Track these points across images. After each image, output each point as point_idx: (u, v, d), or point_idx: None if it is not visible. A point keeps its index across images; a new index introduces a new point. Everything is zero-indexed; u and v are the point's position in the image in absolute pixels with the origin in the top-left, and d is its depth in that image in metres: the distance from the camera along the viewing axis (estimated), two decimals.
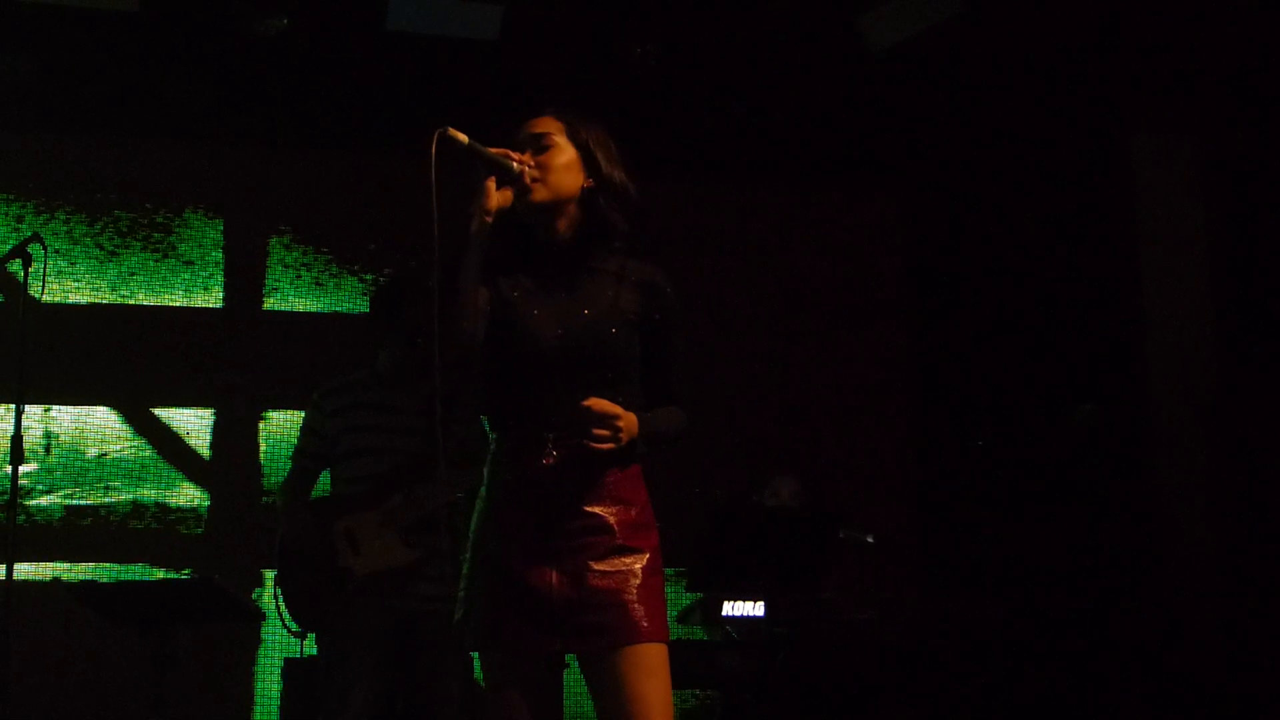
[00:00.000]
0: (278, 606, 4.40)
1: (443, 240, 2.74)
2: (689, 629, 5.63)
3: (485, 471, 2.93)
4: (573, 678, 2.95)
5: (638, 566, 2.84)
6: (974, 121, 6.54)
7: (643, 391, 2.97)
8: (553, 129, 2.96)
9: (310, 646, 4.57)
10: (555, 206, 2.94)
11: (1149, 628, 5.97)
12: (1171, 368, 6.14)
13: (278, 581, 4.45)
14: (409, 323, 4.52)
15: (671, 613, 5.59)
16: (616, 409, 2.82)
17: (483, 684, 2.98)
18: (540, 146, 2.93)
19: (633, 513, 2.88)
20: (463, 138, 2.81)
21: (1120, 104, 6.18)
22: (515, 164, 2.87)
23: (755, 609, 5.20)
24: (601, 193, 2.95)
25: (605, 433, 2.80)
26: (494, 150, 2.87)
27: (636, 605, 2.81)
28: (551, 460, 2.84)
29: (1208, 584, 5.98)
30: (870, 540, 5.38)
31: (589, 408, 2.79)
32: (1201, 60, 5.83)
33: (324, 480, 4.66)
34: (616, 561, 2.82)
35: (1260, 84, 5.88)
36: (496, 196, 2.84)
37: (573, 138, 2.97)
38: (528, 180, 2.88)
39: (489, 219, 2.82)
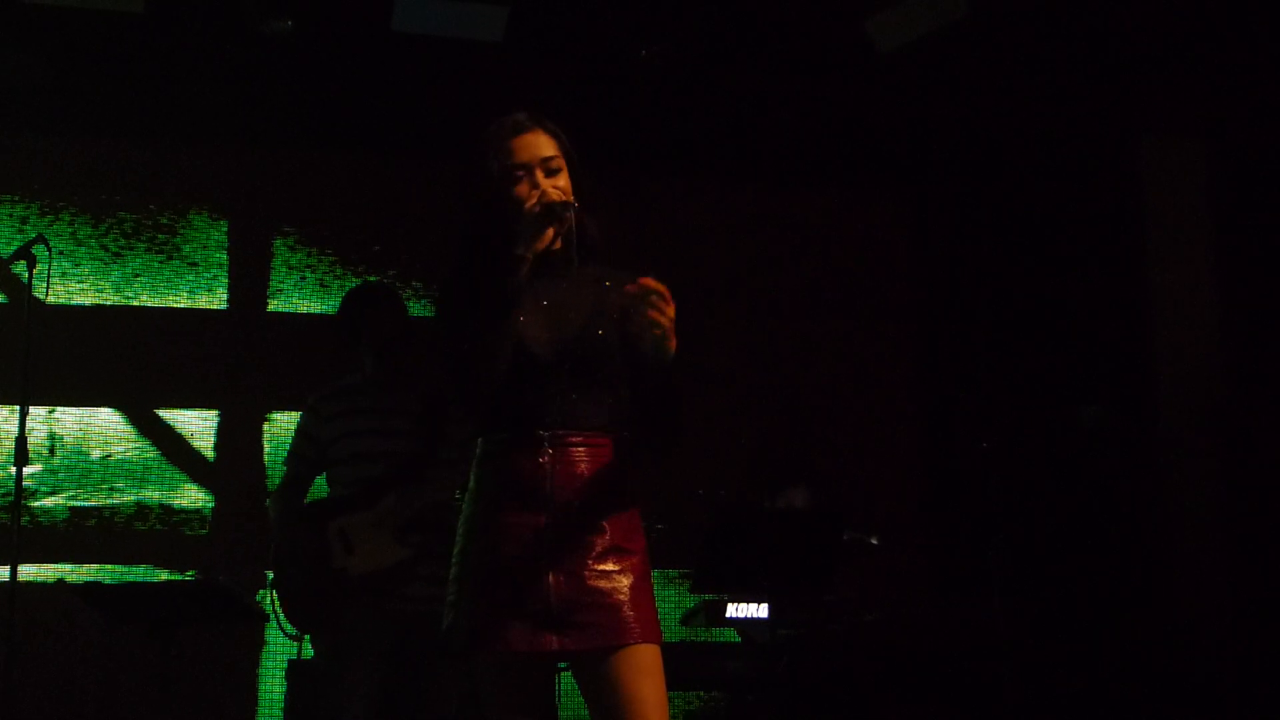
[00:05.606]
0: (274, 611, 4.40)
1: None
2: (693, 630, 5.62)
3: (472, 473, 2.91)
4: (572, 681, 2.94)
5: (631, 568, 2.83)
6: (982, 124, 6.54)
7: (629, 394, 2.95)
8: (555, 150, 2.93)
9: (310, 649, 4.56)
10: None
11: (1155, 629, 5.95)
12: (1178, 370, 6.13)
13: (274, 585, 4.45)
14: (377, 334, 4.54)
15: (676, 614, 5.59)
16: (665, 290, 2.72)
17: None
18: (552, 170, 2.91)
19: (624, 513, 2.87)
20: (575, 203, 2.83)
21: (1129, 106, 6.17)
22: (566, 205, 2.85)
23: (760, 611, 5.19)
24: (584, 206, 2.93)
25: (664, 312, 2.71)
26: (559, 199, 2.85)
27: (631, 606, 2.80)
28: (545, 459, 2.83)
29: (1215, 585, 5.97)
30: (875, 542, 5.36)
31: (644, 283, 2.71)
32: (1210, 63, 5.83)
33: (319, 482, 4.67)
34: (612, 561, 2.81)
35: (1268, 87, 5.87)
36: (547, 239, 2.83)
37: (564, 153, 2.95)
38: (570, 216, 2.86)
39: (531, 260, 2.81)
